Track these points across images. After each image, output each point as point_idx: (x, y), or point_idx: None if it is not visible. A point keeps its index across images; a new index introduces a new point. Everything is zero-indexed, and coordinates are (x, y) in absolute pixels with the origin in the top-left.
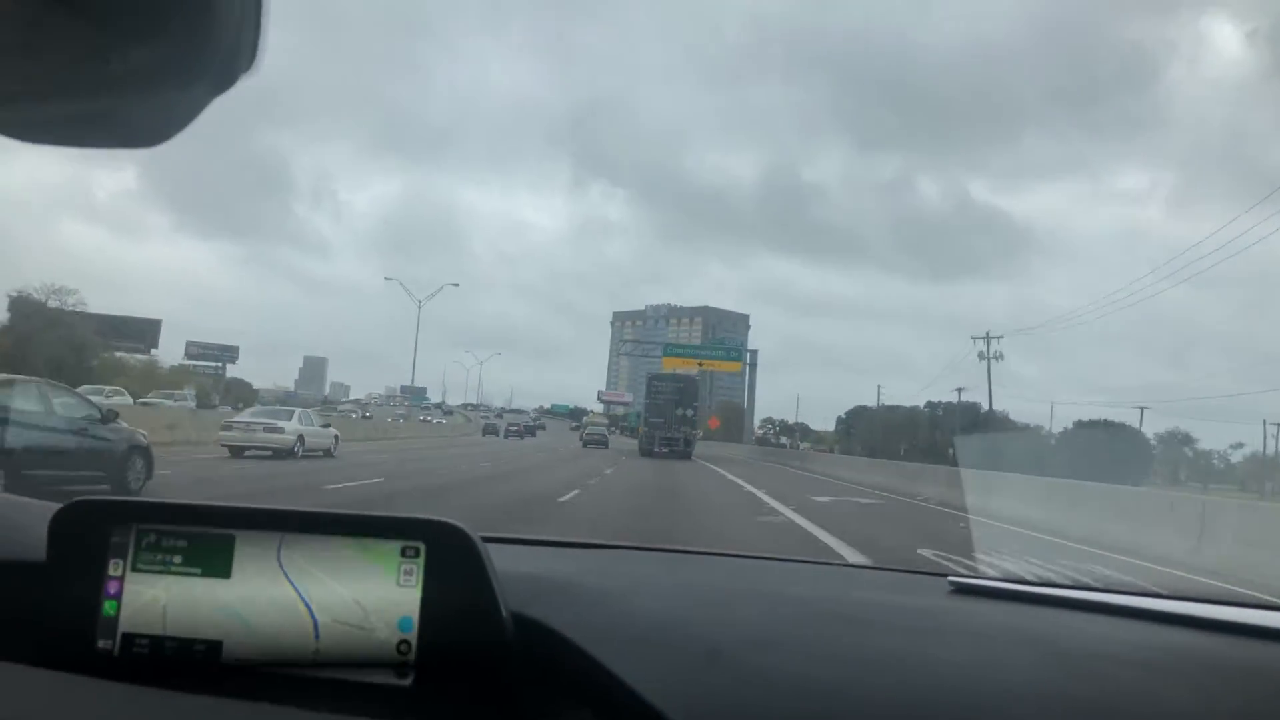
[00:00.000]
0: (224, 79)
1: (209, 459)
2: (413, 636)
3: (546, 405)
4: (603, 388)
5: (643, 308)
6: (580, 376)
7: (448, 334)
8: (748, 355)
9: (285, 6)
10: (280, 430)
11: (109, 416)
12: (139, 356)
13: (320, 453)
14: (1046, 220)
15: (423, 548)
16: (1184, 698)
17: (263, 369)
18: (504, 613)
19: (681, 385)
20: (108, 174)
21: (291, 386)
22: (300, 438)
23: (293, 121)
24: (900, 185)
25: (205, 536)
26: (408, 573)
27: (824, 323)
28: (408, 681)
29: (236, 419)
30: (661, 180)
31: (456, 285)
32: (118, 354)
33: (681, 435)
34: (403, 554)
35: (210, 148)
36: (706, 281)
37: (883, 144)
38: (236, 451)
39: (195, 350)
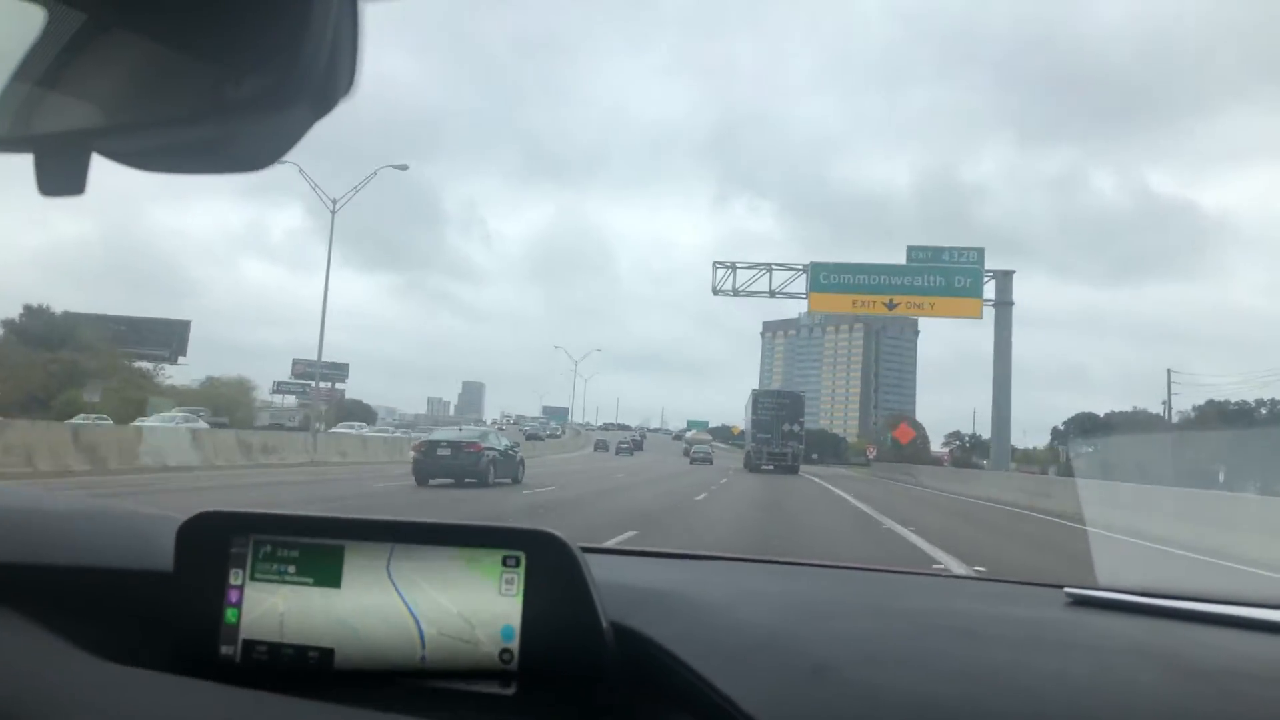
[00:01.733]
0: (323, 102)
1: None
2: (514, 646)
3: (683, 424)
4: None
5: (795, 315)
6: (732, 394)
7: (598, 357)
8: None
9: (432, 39)
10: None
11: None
12: (164, 365)
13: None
14: (1245, 210)
15: (523, 557)
16: None
17: (422, 394)
18: (604, 623)
19: (786, 401)
20: (281, 213)
21: (451, 412)
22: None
23: (443, 154)
24: (1069, 180)
25: (317, 547)
26: (509, 582)
27: (991, 331)
28: (510, 690)
29: (427, 438)
30: (811, 191)
31: (600, 350)
32: (138, 363)
33: (789, 450)
34: (504, 564)
35: (369, 189)
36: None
37: (1049, 136)
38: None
39: (300, 369)
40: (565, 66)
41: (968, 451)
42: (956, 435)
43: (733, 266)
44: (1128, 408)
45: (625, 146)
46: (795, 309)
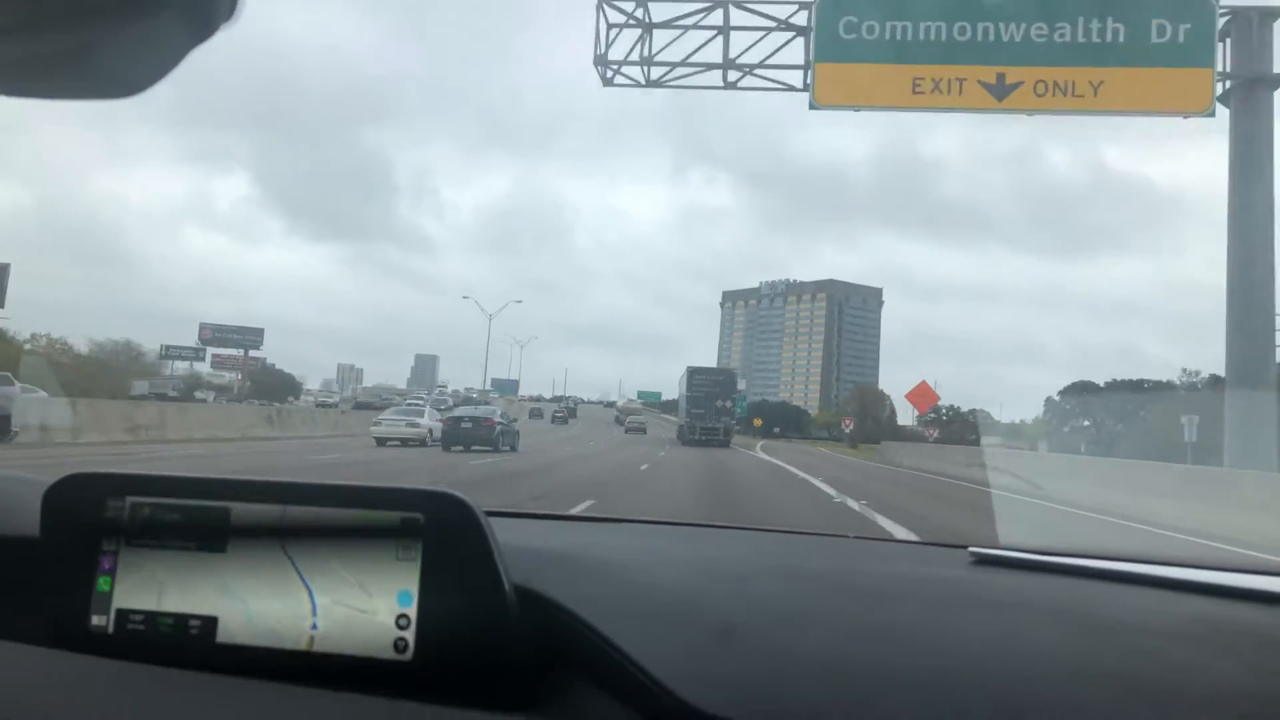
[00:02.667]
0: (199, 20)
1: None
2: (412, 611)
3: (633, 395)
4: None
5: (757, 284)
6: (688, 362)
7: (553, 329)
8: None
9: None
10: (418, 425)
11: None
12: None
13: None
14: (1199, 186)
15: (422, 519)
16: (1232, 670)
17: (380, 367)
18: (507, 586)
19: (720, 378)
20: (227, 181)
21: (403, 385)
22: (430, 430)
23: (395, 122)
24: (1026, 154)
25: (200, 509)
26: (407, 546)
27: (948, 308)
28: (407, 657)
29: (384, 415)
30: (767, 163)
31: (520, 301)
32: None
33: (721, 425)
34: (402, 526)
35: (315, 150)
36: (819, 266)
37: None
38: (381, 442)
39: (208, 333)
40: (519, 28)
41: (956, 425)
42: (935, 408)
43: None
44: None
45: (581, 115)
46: (765, 269)
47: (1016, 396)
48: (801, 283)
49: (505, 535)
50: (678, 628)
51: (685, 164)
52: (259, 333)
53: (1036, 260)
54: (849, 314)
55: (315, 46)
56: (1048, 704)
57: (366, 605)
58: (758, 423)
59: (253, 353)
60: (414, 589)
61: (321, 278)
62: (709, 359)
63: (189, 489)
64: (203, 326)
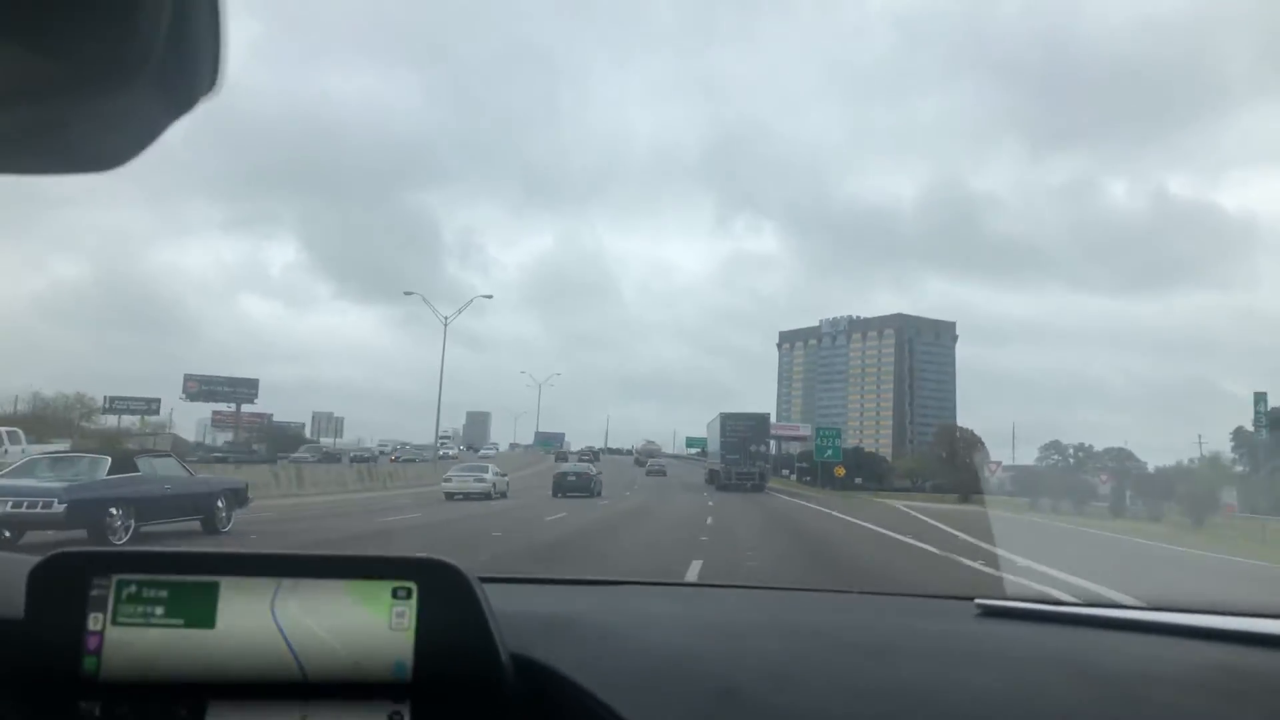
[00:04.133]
0: (179, 94)
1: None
2: (407, 681)
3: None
4: (772, 416)
5: (816, 323)
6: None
7: (604, 384)
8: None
9: (422, 65)
10: (483, 480)
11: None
12: None
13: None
14: (1272, 210)
15: (415, 588)
16: (1246, 714)
17: (426, 428)
18: (503, 654)
19: (753, 424)
20: (276, 247)
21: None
22: (494, 484)
23: (438, 181)
24: (1082, 187)
25: (188, 585)
26: (400, 614)
27: (1008, 349)
28: None
29: (452, 471)
30: (813, 207)
31: (490, 296)
32: None
33: (756, 470)
34: (394, 595)
35: (359, 212)
36: (872, 310)
37: (1059, 144)
38: (452, 496)
39: (195, 386)
40: (559, 88)
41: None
42: (1055, 446)
43: None
44: (1153, 423)
45: (622, 169)
46: (815, 316)
47: (1084, 436)
48: (865, 319)
49: (500, 601)
50: (675, 690)
51: (728, 214)
52: (253, 384)
53: (1097, 296)
54: (920, 351)
55: (355, 109)
56: None
57: (360, 689)
58: (840, 472)
59: (247, 407)
60: (408, 660)
61: (372, 340)
62: (764, 406)
63: (176, 564)
64: (188, 379)
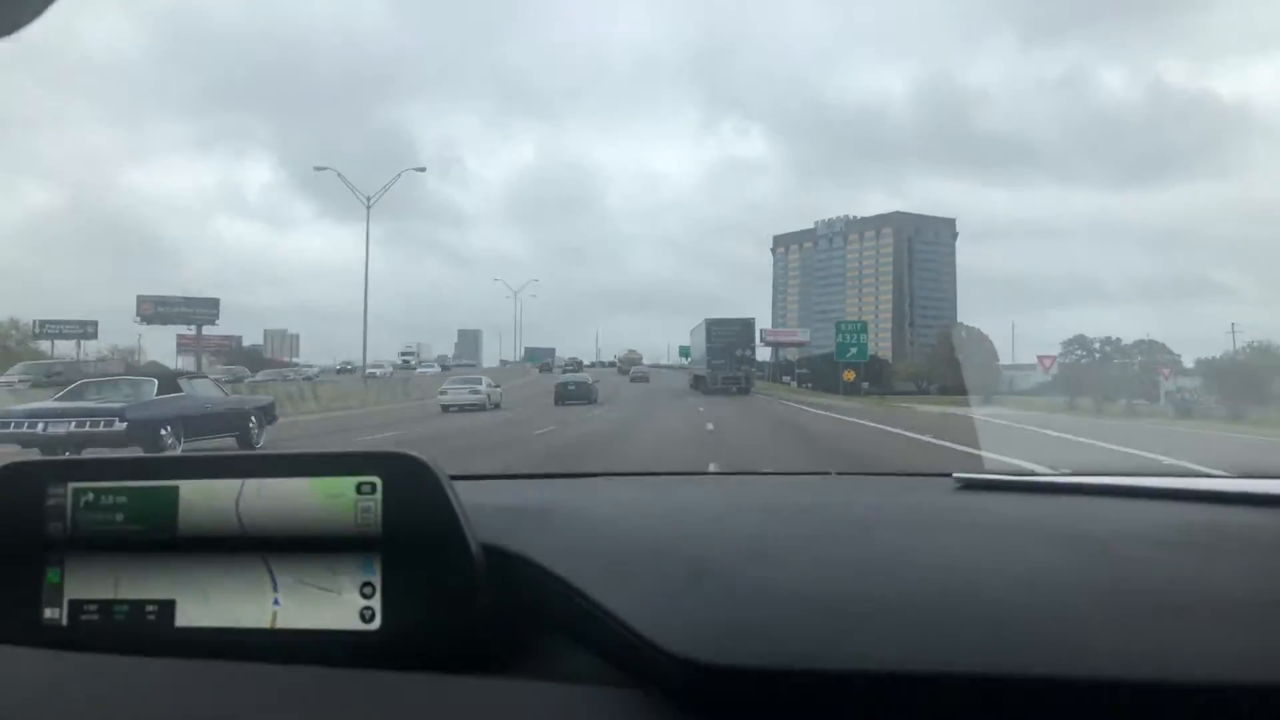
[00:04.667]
0: None
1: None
2: (376, 579)
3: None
4: (767, 323)
5: (811, 225)
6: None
7: (593, 298)
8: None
9: None
10: (479, 392)
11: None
12: None
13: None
14: (1269, 99)
15: (379, 482)
16: (1230, 574)
17: (422, 345)
18: (472, 544)
19: (738, 329)
20: (253, 168)
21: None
22: (488, 396)
23: (414, 95)
24: (1076, 80)
25: (147, 490)
26: (365, 509)
27: (1000, 248)
28: (374, 626)
29: (447, 384)
30: (801, 108)
31: (537, 280)
32: None
33: (742, 374)
34: (359, 490)
35: (335, 129)
36: (865, 212)
37: (1051, 34)
38: (448, 408)
39: (150, 307)
40: None
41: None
42: (1079, 341)
43: None
44: (1144, 321)
45: (604, 75)
46: (808, 221)
47: (1081, 332)
48: (862, 219)
49: (471, 496)
50: (647, 572)
51: (715, 118)
52: (213, 304)
53: (1091, 192)
54: (919, 250)
55: (325, 18)
56: (1042, 623)
57: (330, 579)
58: (849, 376)
59: (208, 328)
60: (377, 555)
61: (356, 260)
62: (759, 313)
63: (133, 470)
64: (142, 300)
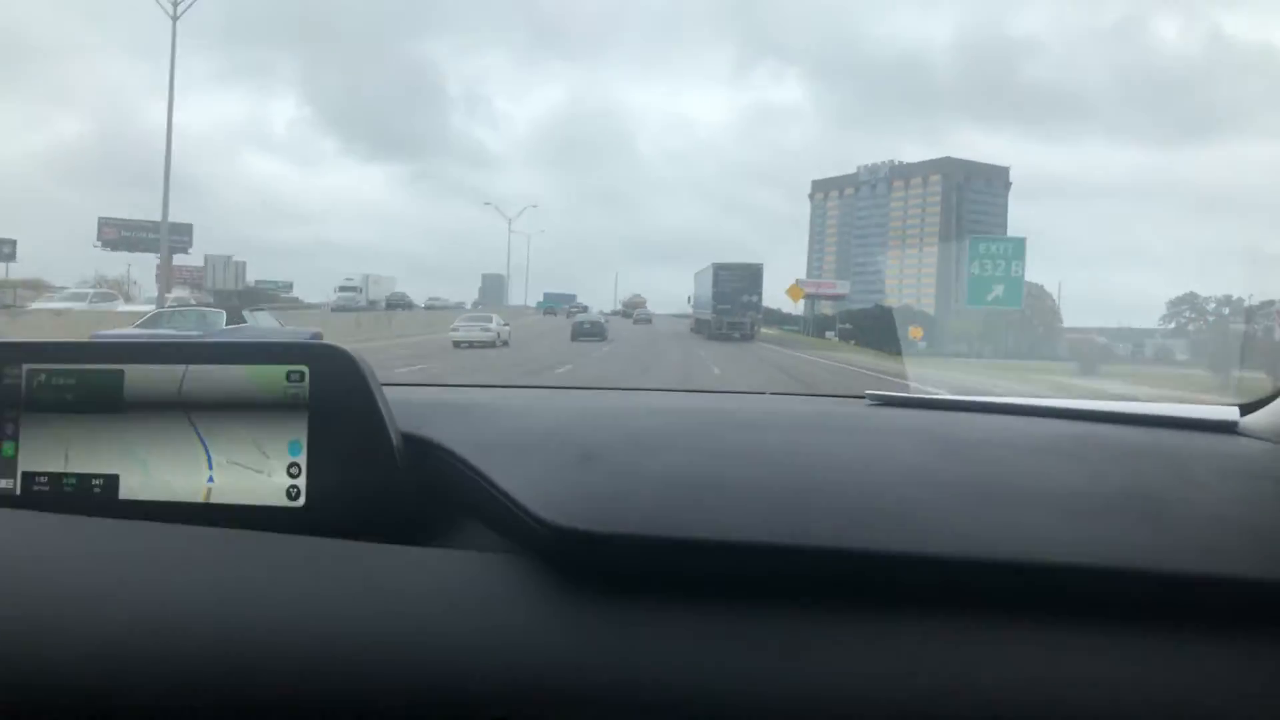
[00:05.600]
0: None
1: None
2: (303, 459)
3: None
4: (802, 276)
5: (854, 170)
6: (775, 275)
7: (618, 245)
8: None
9: None
10: (489, 329)
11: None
12: None
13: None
14: None
15: (307, 371)
16: (1066, 472)
17: (446, 289)
18: (391, 431)
19: (747, 273)
20: (278, 103)
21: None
22: (498, 334)
23: (440, 30)
24: (1130, 27)
25: (95, 373)
26: (294, 396)
27: (1046, 204)
28: (299, 503)
29: (459, 321)
30: (839, 53)
31: (535, 206)
32: None
33: (748, 320)
34: (288, 379)
35: (361, 64)
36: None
37: None
38: (459, 344)
39: (112, 232)
40: None
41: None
42: (1188, 301)
43: None
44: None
45: (636, 13)
46: (860, 157)
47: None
48: (908, 164)
49: (406, 394)
50: (541, 458)
51: (750, 61)
52: (185, 230)
53: (1142, 150)
54: (969, 199)
55: None
56: (892, 506)
57: (260, 460)
58: (916, 334)
59: (180, 257)
60: (303, 438)
61: (382, 199)
62: (793, 266)
63: (83, 354)
64: (103, 224)
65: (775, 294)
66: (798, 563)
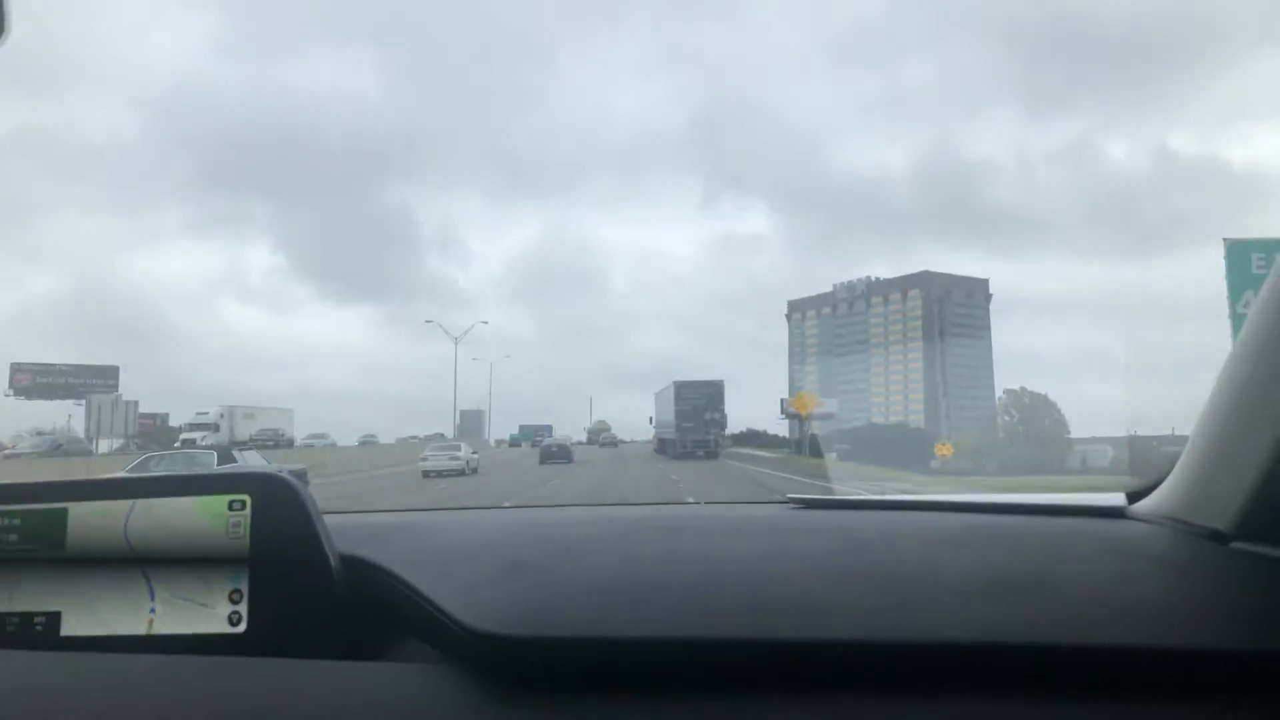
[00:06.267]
0: None
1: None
2: (244, 585)
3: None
4: (785, 395)
5: (830, 288)
6: (753, 397)
7: (595, 375)
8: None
9: (393, 51)
10: (458, 458)
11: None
12: None
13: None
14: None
15: (248, 500)
16: (959, 559)
17: (424, 426)
18: (329, 553)
19: (708, 391)
20: (253, 251)
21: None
22: (467, 462)
23: (414, 175)
24: (1083, 149)
25: (38, 513)
26: (235, 524)
27: (1012, 323)
28: (240, 629)
29: (428, 451)
30: (802, 182)
31: (486, 323)
32: None
33: (711, 438)
34: (230, 508)
35: (334, 210)
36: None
37: (1059, 105)
38: (428, 474)
39: (26, 379)
40: (536, 71)
41: None
42: None
43: None
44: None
45: (604, 154)
46: (829, 281)
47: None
48: (886, 280)
49: (339, 519)
50: (470, 569)
51: (715, 193)
52: (110, 373)
53: (1102, 264)
54: (952, 312)
55: (321, 99)
56: (796, 597)
57: (202, 590)
58: (946, 452)
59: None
60: (244, 564)
61: (359, 341)
62: (773, 386)
63: (26, 494)
64: (16, 370)
65: (755, 414)
66: (708, 653)
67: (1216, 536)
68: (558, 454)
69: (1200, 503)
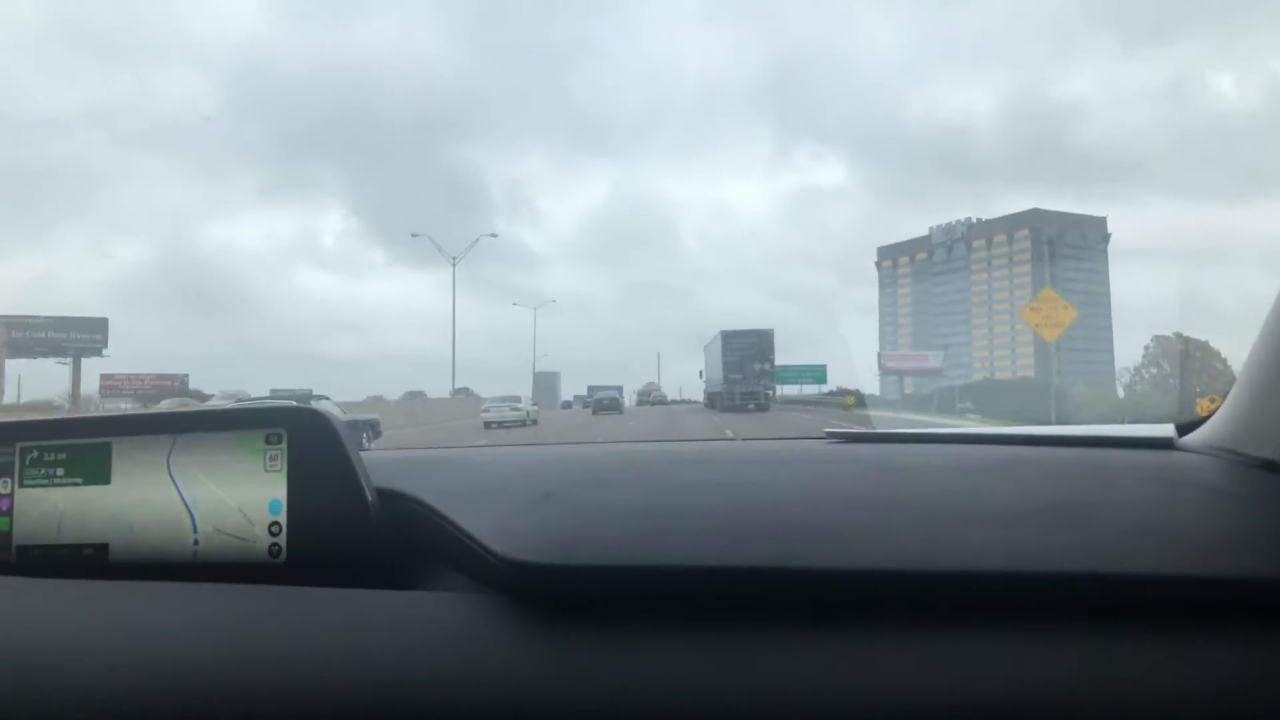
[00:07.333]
0: None
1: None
2: (282, 518)
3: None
4: (873, 352)
5: (926, 232)
6: (832, 352)
7: (667, 335)
8: None
9: (456, 13)
10: (519, 409)
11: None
12: None
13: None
14: None
15: (285, 434)
16: (1001, 489)
17: (501, 387)
18: (364, 485)
19: (757, 340)
20: (326, 217)
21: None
22: (528, 413)
23: (479, 137)
24: (1184, 84)
25: (83, 447)
26: (273, 458)
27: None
28: (280, 560)
29: (489, 403)
30: (880, 130)
31: (495, 235)
32: None
33: (761, 388)
34: (267, 441)
35: (409, 173)
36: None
37: (1154, 38)
38: (490, 425)
39: (3, 334)
40: (600, 24)
41: None
42: None
43: None
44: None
45: (673, 106)
46: (925, 224)
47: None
48: (989, 221)
49: (377, 455)
50: (502, 500)
51: (789, 145)
52: (99, 325)
53: (1200, 207)
54: (1064, 255)
55: (388, 62)
56: (822, 526)
57: (242, 523)
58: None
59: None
60: (283, 497)
61: (432, 306)
62: (861, 342)
63: (73, 430)
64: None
65: (836, 373)
66: (738, 581)
67: (1269, 466)
68: (609, 405)
69: (1252, 433)
